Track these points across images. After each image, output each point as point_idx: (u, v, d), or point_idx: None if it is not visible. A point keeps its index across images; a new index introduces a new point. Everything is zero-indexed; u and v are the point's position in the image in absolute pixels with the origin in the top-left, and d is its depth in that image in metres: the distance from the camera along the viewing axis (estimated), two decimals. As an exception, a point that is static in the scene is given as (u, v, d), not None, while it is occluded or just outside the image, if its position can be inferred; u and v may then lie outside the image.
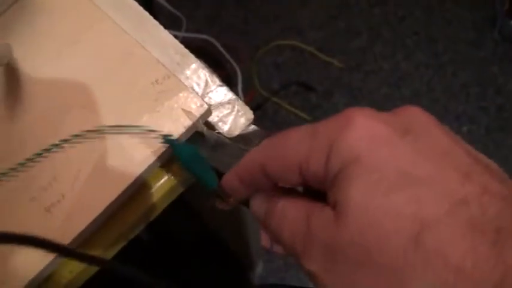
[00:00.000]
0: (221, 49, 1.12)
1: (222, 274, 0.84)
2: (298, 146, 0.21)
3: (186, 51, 0.36)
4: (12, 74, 0.35)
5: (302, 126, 0.21)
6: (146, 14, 0.37)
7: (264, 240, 0.26)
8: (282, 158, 0.21)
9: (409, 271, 0.17)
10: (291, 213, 0.22)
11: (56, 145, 0.32)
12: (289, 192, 0.23)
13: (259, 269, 0.99)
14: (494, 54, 1.19)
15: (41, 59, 0.35)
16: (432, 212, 0.17)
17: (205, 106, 0.33)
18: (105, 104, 0.34)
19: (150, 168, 0.32)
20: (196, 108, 0.33)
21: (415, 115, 0.20)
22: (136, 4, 0.37)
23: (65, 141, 0.32)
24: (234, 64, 1.13)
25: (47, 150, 0.32)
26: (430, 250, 0.17)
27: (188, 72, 0.36)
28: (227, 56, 1.13)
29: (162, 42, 0.36)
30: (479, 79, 1.18)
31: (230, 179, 0.25)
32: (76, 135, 0.33)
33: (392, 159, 0.18)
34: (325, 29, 1.22)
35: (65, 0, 0.37)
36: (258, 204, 0.24)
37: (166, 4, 1.06)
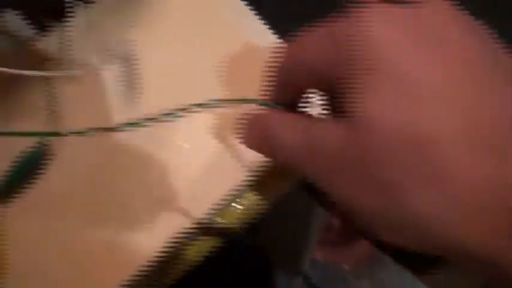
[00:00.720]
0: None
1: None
2: (312, 48, 0.20)
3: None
4: (132, 60, 0.36)
5: (316, 28, 0.21)
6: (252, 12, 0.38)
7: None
8: (297, 60, 0.21)
9: (411, 188, 0.17)
10: (289, 125, 0.21)
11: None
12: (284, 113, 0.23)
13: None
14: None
15: (160, 46, 0.36)
16: (445, 129, 0.17)
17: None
18: (222, 93, 0.35)
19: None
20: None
21: (440, 13, 0.19)
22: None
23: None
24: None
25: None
26: (434, 167, 0.17)
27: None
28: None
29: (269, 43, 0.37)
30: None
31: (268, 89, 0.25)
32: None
33: (410, 71, 0.18)
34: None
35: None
36: (250, 132, 0.24)
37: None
